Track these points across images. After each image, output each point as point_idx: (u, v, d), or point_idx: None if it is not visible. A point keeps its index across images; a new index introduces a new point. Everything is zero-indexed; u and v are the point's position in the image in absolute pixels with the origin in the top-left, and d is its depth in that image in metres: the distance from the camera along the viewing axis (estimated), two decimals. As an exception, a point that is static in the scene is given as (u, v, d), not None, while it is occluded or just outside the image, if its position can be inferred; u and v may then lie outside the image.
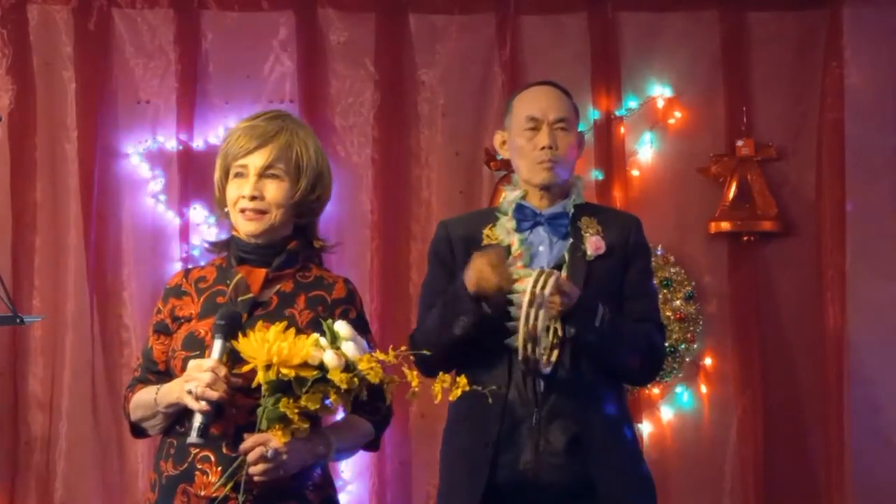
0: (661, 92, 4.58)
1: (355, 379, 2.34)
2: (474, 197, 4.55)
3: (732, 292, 4.54)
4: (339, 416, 2.57)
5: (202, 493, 2.42)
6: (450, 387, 2.46)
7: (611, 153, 4.56)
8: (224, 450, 2.41)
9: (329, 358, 2.33)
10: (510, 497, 2.93)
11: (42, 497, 4.40)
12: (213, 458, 2.43)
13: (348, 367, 2.34)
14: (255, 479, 2.36)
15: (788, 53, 4.60)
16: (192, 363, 2.40)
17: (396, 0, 4.59)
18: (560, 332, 2.91)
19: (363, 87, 4.57)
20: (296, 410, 2.32)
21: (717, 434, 4.51)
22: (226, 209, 2.60)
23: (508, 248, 3.03)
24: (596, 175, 4.53)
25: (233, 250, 2.59)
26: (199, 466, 2.43)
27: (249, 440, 2.36)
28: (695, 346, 4.50)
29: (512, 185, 3.17)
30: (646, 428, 4.49)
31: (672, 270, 4.49)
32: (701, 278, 4.55)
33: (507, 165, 4.50)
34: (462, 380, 2.47)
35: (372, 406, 2.55)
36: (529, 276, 2.85)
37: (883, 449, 4.46)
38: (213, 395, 2.33)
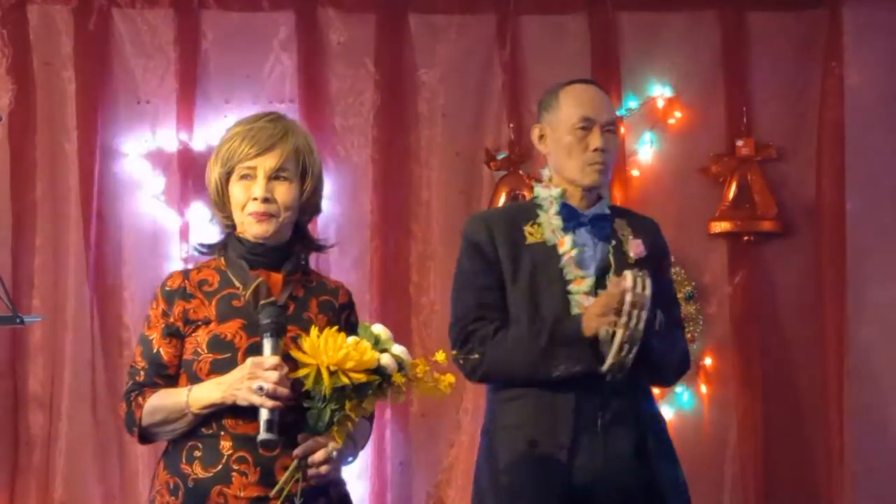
0: (661, 92, 4.58)
1: (412, 381, 2.42)
2: (474, 197, 4.56)
3: (732, 292, 4.54)
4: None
5: (242, 495, 2.41)
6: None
7: (617, 150, 4.55)
8: (261, 450, 2.41)
9: (387, 361, 2.39)
10: (582, 500, 2.92)
11: (42, 497, 4.40)
12: (249, 460, 2.43)
13: (401, 368, 2.41)
14: (313, 482, 2.40)
15: (788, 53, 4.60)
16: (251, 361, 2.40)
17: (396, 0, 4.59)
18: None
19: (363, 87, 4.57)
20: (354, 413, 2.38)
21: (717, 434, 4.51)
22: (223, 212, 2.60)
23: (554, 247, 3.01)
24: (596, 175, 4.54)
25: (235, 252, 2.58)
26: (236, 468, 2.43)
27: (309, 443, 2.40)
28: (695, 346, 4.50)
29: (544, 181, 3.12)
30: (646, 428, 4.49)
31: (672, 270, 4.49)
32: (701, 278, 4.55)
33: (507, 165, 4.51)
34: (450, 377, 2.48)
35: None
36: (587, 277, 2.91)
37: (883, 449, 4.46)
38: (285, 391, 2.36)
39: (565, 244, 3.00)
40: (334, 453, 2.40)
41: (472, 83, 4.57)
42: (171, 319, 2.54)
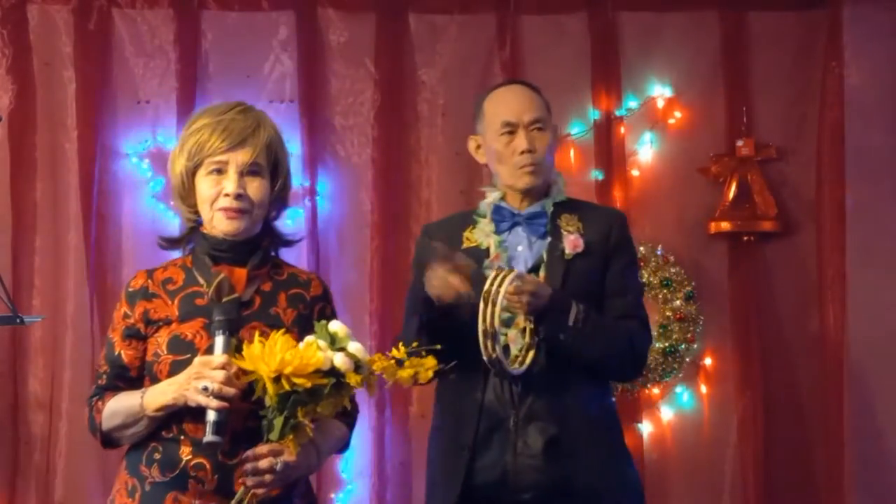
0: (661, 92, 4.58)
1: (372, 377, 2.31)
2: (474, 197, 4.53)
3: (732, 292, 4.54)
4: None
5: (197, 502, 2.36)
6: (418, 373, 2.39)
7: (611, 153, 4.56)
8: (220, 457, 2.35)
9: (340, 361, 2.27)
10: (488, 500, 2.93)
11: (42, 497, 4.39)
12: (208, 466, 2.36)
13: (358, 367, 2.29)
14: (258, 491, 2.31)
15: (788, 53, 4.60)
16: (198, 360, 2.33)
17: (396, 0, 4.59)
18: (533, 333, 2.91)
19: (363, 87, 4.57)
20: (309, 420, 2.27)
21: (717, 434, 4.51)
22: (187, 205, 2.53)
23: (487, 250, 3.03)
24: (596, 175, 4.54)
25: (201, 248, 2.51)
26: (194, 474, 2.36)
27: (255, 450, 2.31)
28: (695, 346, 4.50)
29: (492, 185, 3.17)
30: (646, 428, 4.49)
31: (672, 270, 4.49)
32: (701, 278, 4.55)
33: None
34: (430, 361, 2.39)
35: (344, 407, 2.47)
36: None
37: (883, 449, 4.46)
38: (231, 391, 2.28)
39: (493, 246, 3.03)
40: (279, 464, 2.29)
41: (472, 83, 4.57)
42: (132, 321, 2.48)
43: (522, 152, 3.02)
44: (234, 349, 2.35)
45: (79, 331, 4.42)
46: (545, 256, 3.00)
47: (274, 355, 2.22)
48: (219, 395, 2.28)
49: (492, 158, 3.10)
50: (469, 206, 4.43)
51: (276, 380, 2.23)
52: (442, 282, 2.79)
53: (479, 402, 2.93)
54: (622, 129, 4.56)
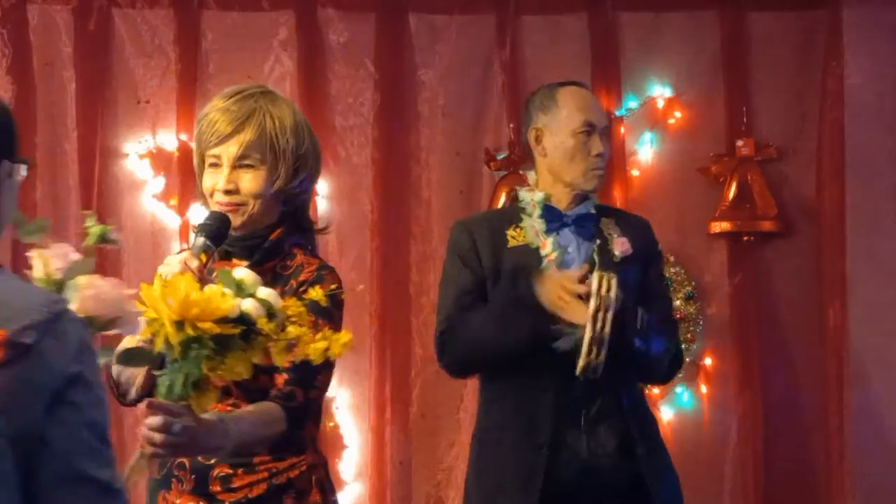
0: (661, 92, 4.58)
1: (289, 327, 2.00)
2: (474, 197, 4.55)
3: (732, 292, 4.54)
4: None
5: (178, 502, 2.32)
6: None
7: (611, 153, 4.54)
8: (199, 457, 2.27)
9: (250, 306, 1.99)
10: (566, 499, 2.94)
11: (42, 497, 4.39)
12: (187, 465, 2.32)
13: (271, 315, 2.01)
14: (149, 452, 2.04)
15: (788, 53, 4.60)
16: (169, 258, 2.27)
17: (396, 0, 4.59)
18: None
19: (363, 87, 4.57)
20: (219, 375, 1.98)
21: (717, 434, 4.51)
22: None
23: (537, 248, 3.03)
24: (596, 175, 4.54)
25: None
26: (176, 473, 2.33)
27: (158, 405, 2.02)
28: (695, 346, 4.50)
29: (529, 184, 3.17)
30: (646, 428, 4.49)
31: (672, 270, 4.49)
32: (701, 278, 4.55)
33: (507, 165, 4.51)
34: (345, 336, 2.06)
35: (288, 390, 2.29)
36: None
37: (883, 449, 4.45)
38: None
39: (547, 246, 3.03)
40: (177, 425, 2.00)
41: (472, 83, 4.57)
42: None
43: (598, 154, 3.05)
44: (209, 259, 2.24)
45: (79, 331, 4.41)
46: (596, 258, 3.00)
47: (178, 295, 1.93)
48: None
49: (561, 154, 3.08)
50: (469, 207, 4.48)
51: (180, 325, 1.93)
52: (562, 298, 2.84)
53: (552, 400, 2.95)
54: (622, 129, 4.56)
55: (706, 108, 4.58)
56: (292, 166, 2.41)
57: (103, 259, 4.48)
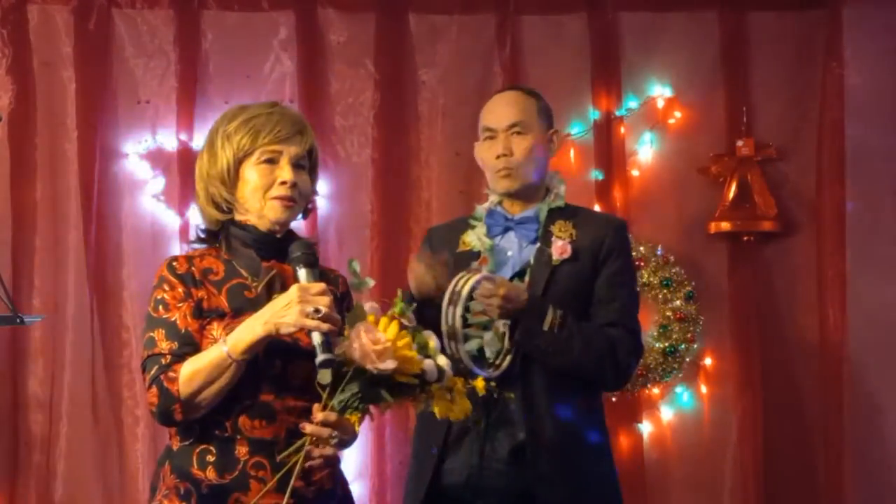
0: (661, 92, 4.58)
1: (446, 394, 2.37)
2: (474, 197, 4.53)
3: (732, 292, 4.54)
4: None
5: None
6: None
7: (611, 153, 4.56)
8: (277, 457, 2.31)
9: (430, 368, 2.32)
10: (453, 502, 2.98)
11: (42, 497, 4.39)
12: (267, 466, 2.34)
13: (439, 380, 2.35)
14: (310, 464, 2.28)
15: (788, 53, 4.60)
16: (297, 287, 2.28)
17: (396, 0, 4.59)
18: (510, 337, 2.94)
19: (363, 87, 4.57)
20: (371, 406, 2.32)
21: (717, 434, 4.51)
22: (224, 195, 2.46)
23: (478, 253, 3.08)
24: (596, 175, 4.54)
25: (239, 241, 2.46)
26: (254, 474, 2.33)
27: (331, 416, 2.27)
28: (695, 346, 4.50)
29: (492, 190, 3.22)
30: (646, 428, 4.49)
31: (672, 270, 4.49)
32: (701, 278, 4.54)
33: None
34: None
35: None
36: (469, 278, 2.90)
37: (883, 449, 4.46)
38: (337, 318, 2.27)
39: (484, 250, 3.09)
40: (337, 437, 2.28)
41: (472, 83, 4.57)
42: (193, 302, 2.40)
43: (498, 156, 3.09)
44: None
45: (79, 331, 4.41)
46: (532, 261, 3.03)
47: (390, 338, 2.27)
48: (329, 318, 2.26)
49: (481, 164, 3.19)
50: (469, 207, 4.46)
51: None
52: (420, 276, 2.87)
53: None
54: (622, 129, 4.56)
55: (706, 108, 4.58)
56: (316, 180, 2.56)
57: (103, 259, 4.49)
